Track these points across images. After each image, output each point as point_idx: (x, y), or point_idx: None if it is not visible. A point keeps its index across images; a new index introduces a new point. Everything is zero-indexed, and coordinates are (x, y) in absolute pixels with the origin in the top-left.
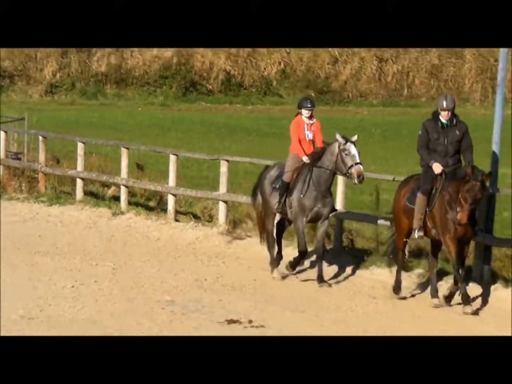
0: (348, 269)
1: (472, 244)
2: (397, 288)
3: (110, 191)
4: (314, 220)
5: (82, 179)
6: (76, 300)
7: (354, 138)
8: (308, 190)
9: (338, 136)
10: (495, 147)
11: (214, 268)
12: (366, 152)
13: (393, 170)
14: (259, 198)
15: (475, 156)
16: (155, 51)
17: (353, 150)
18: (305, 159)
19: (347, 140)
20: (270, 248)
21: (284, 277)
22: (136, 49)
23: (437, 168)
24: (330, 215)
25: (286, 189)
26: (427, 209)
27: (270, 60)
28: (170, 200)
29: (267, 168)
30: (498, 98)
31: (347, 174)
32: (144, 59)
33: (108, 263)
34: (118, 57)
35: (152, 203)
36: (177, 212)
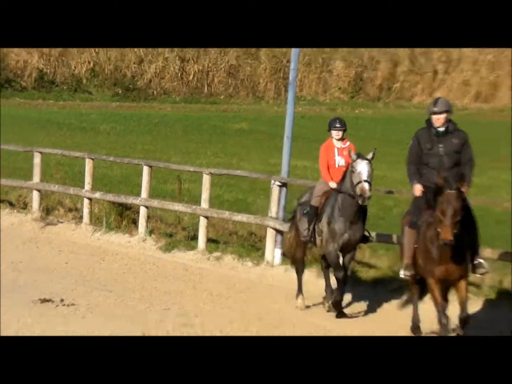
0: (154, 252)
1: (270, 232)
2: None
3: None
4: (344, 248)
5: None
6: None
7: (369, 155)
8: (335, 216)
9: (352, 154)
10: (286, 141)
11: (29, 252)
12: (169, 145)
13: (194, 161)
14: (293, 224)
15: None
16: None
17: (359, 167)
18: (332, 185)
19: (358, 157)
20: (298, 275)
21: (307, 306)
22: None
23: (417, 190)
24: (361, 243)
25: (314, 215)
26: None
27: (80, 59)
28: None
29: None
30: (289, 96)
31: (355, 195)
32: None
33: None
34: None
35: None
36: None
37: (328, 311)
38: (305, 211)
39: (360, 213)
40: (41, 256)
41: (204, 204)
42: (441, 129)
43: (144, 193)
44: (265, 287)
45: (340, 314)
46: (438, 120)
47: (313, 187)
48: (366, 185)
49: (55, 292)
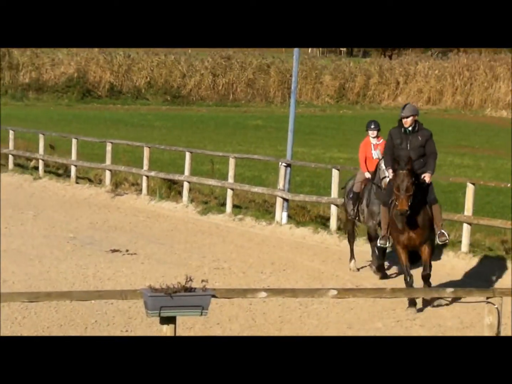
0: (194, 215)
1: (278, 200)
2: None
3: (32, 163)
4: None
5: (13, 155)
6: (8, 237)
7: (377, 153)
8: (372, 200)
9: (379, 154)
10: (290, 134)
11: (102, 215)
12: (205, 137)
13: (222, 149)
14: (343, 206)
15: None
16: (62, 68)
17: (383, 165)
18: (366, 175)
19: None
20: (350, 244)
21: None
22: (49, 66)
23: (390, 174)
24: None
25: (356, 198)
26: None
27: (140, 75)
28: (73, 169)
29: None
30: (292, 101)
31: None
32: (54, 74)
33: (30, 212)
34: (37, 72)
35: (60, 171)
36: (77, 177)
37: (375, 272)
38: (350, 196)
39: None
40: (112, 218)
41: (231, 179)
42: (409, 128)
43: (186, 172)
44: (276, 240)
45: (383, 276)
46: (407, 122)
47: (355, 176)
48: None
49: (122, 244)
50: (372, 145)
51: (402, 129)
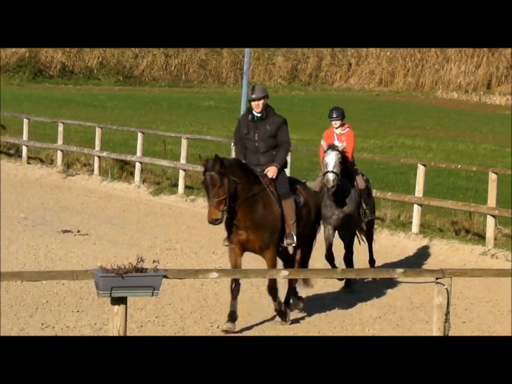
0: (146, 196)
1: None
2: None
3: None
4: (339, 227)
5: None
6: None
7: (342, 146)
8: (324, 199)
9: (323, 144)
10: (243, 112)
11: (54, 195)
12: (157, 118)
13: (175, 129)
14: None
15: None
16: (13, 49)
17: (328, 158)
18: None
19: (328, 148)
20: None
21: None
22: None
23: None
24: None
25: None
26: None
27: (92, 55)
28: (24, 149)
29: None
30: (244, 82)
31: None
32: (5, 53)
33: None
34: None
35: (11, 151)
36: (29, 157)
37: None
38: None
39: (344, 194)
40: (63, 198)
41: (183, 160)
42: (259, 114)
43: (138, 153)
44: None
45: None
46: (257, 105)
47: None
48: (330, 176)
49: (74, 225)
50: (335, 135)
51: (250, 116)
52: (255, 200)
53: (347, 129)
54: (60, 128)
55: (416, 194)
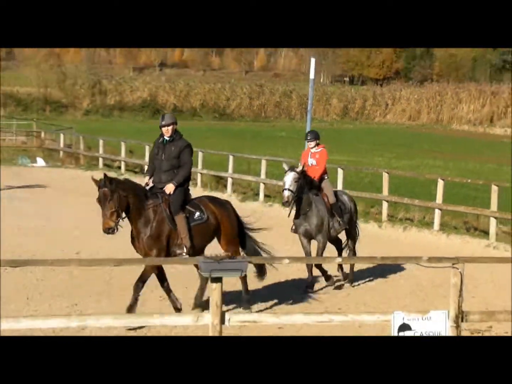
0: (235, 202)
1: None
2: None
3: (116, 164)
4: (308, 237)
5: (102, 157)
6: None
7: (299, 168)
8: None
9: (284, 165)
10: (306, 143)
11: None
12: (244, 145)
13: (255, 153)
14: None
15: None
16: (138, 93)
17: (286, 177)
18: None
19: (288, 169)
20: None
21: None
22: (129, 92)
23: (144, 183)
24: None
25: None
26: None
27: (196, 98)
28: (146, 168)
29: None
30: (308, 118)
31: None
32: (133, 97)
33: None
34: (120, 96)
35: (137, 170)
36: None
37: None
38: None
39: (310, 206)
40: None
41: (263, 176)
42: (168, 138)
43: (230, 170)
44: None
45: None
46: (167, 131)
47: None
48: (285, 193)
49: None
50: (310, 153)
51: (161, 139)
52: (147, 213)
53: (321, 148)
54: None
55: (437, 201)
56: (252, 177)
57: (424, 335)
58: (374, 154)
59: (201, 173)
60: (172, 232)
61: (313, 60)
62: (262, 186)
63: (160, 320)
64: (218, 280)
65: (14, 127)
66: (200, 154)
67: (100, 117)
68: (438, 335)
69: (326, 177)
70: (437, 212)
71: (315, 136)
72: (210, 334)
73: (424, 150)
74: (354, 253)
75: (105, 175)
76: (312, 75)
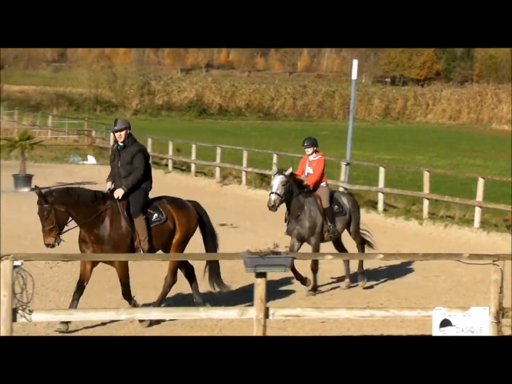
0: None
1: (340, 189)
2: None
3: (163, 162)
4: (301, 240)
5: (150, 156)
6: None
7: (288, 171)
8: (288, 216)
9: (273, 167)
10: (349, 141)
11: (214, 199)
12: (288, 143)
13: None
14: None
15: None
16: (185, 93)
17: (273, 180)
18: None
19: (276, 172)
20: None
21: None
22: (176, 92)
23: (106, 188)
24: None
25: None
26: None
27: (241, 98)
28: (193, 166)
29: None
30: (350, 117)
31: None
32: (180, 97)
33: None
34: (168, 97)
35: (183, 168)
36: (196, 172)
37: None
38: None
39: (301, 209)
40: (220, 201)
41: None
42: (121, 144)
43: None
44: None
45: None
46: (120, 136)
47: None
48: (271, 196)
49: (228, 220)
50: (307, 161)
51: (116, 145)
52: (100, 218)
53: (319, 156)
54: (218, 151)
55: (477, 199)
56: None
57: (465, 331)
58: (415, 153)
59: (245, 171)
60: (132, 235)
61: (355, 62)
62: None
63: (206, 314)
64: (262, 275)
65: (66, 126)
66: (245, 153)
67: (149, 117)
68: (479, 331)
69: (324, 185)
70: (478, 210)
71: (312, 142)
72: (255, 327)
73: (464, 149)
74: (360, 265)
75: (38, 191)
76: (354, 76)
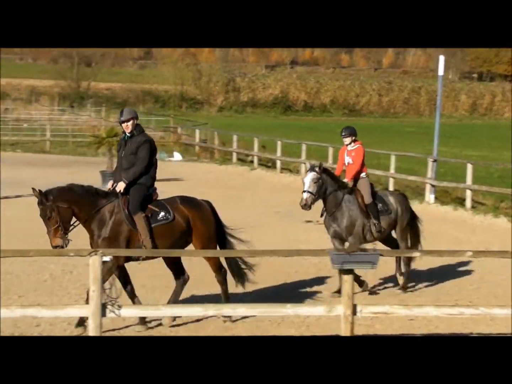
0: None
1: (428, 185)
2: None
3: (249, 158)
4: (337, 238)
5: (236, 152)
6: (227, 209)
7: (320, 166)
8: (324, 214)
9: (306, 164)
10: (436, 137)
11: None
12: (378, 140)
13: (385, 148)
14: None
15: None
16: (270, 90)
17: (305, 178)
18: None
19: (308, 169)
20: None
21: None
22: (261, 89)
23: (109, 185)
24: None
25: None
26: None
27: (325, 95)
28: (278, 163)
29: None
30: (437, 113)
31: None
32: (265, 94)
33: (248, 192)
34: (253, 93)
35: (269, 164)
36: (281, 169)
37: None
38: None
39: (338, 206)
40: None
41: (392, 170)
42: (128, 134)
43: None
44: (425, 215)
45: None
46: (127, 126)
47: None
48: (303, 195)
49: (313, 217)
50: (346, 151)
51: (123, 136)
52: (101, 213)
53: (358, 145)
54: (304, 147)
55: None
56: (382, 172)
57: None
58: (503, 149)
59: (331, 168)
60: (132, 233)
61: (441, 58)
62: (391, 180)
63: (293, 310)
64: (349, 272)
65: (153, 123)
66: (330, 149)
67: (234, 113)
68: None
69: (364, 176)
70: None
71: (350, 132)
72: (342, 324)
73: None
74: (407, 263)
75: (38, 191)
76: (441, 72)
